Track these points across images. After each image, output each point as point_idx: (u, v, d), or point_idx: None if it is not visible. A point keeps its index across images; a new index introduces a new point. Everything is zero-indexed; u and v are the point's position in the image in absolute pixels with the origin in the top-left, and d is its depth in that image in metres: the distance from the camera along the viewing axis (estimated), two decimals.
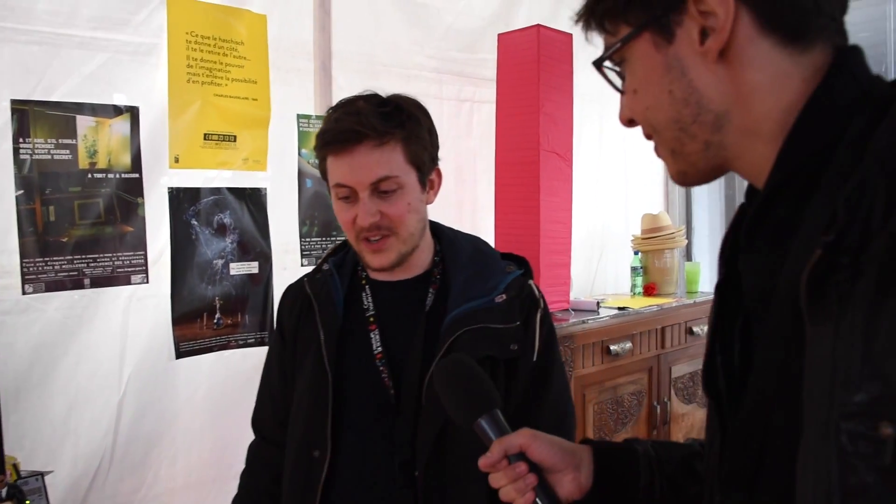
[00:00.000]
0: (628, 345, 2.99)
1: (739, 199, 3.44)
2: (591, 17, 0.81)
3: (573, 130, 3.03)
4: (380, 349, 1.42)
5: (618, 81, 0.83)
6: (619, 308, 3.11)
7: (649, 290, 3.55)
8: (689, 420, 3.41)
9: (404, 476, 1.36)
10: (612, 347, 2.92)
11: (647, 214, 3.69)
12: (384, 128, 1.34)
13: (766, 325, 0.73)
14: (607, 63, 0.82)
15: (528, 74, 2.89)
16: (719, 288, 0.85)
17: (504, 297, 1.42)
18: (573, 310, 3.08)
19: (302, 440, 1.42)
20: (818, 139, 0.69)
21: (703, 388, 0.86)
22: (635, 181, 4.05)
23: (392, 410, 1.39)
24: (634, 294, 3.56)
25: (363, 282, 1.50)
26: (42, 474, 1.74)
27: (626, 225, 3.94)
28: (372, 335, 1.44)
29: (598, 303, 3.11)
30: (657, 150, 0.82)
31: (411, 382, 1.38)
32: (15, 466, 1.76)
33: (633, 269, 3.59)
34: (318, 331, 1.44)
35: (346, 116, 1.36)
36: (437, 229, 1.54)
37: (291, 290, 1.59)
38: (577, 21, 0.84)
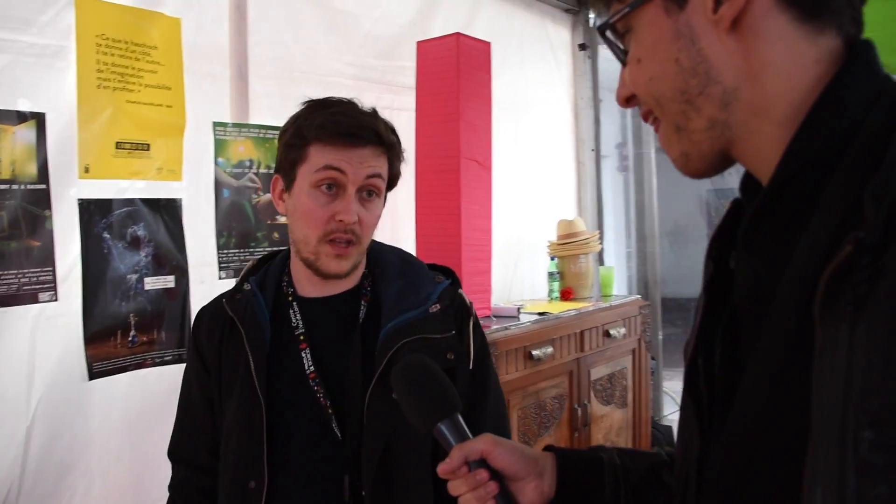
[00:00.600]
0: (549, 349, 3.03)
1: (649, 204, 3.52)
2: None
3: (491, 138, 3.05)
4: (312, 368, 1.37)
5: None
6: (540, 313, 3.15)
7: (566, 295, 3.61)
8: (608, 421, 3.48)
9: (352, 498, 1.32)
10: (533, 353, 2.95)
11: (562, 220, 3.75)
12: (388, 136, 1.38)
13: (762, 326, 0.70)
14: (609, 34, 0.78)
15: (449, 82, 2.88)
16: (708, 287, 0.83)
17: (438, 306, 1.40)
18: (494, 316, 3.09)
19: (235, 471, 1.35)
20: (835, 130, 0.67)
21: (684, 390, 0.85)
22: (549, 187, 4.12)
23: (331, 431, 1.35)
24: (552, 299, 3.61)
25: (290, 298, 1.44)
26: None
27: (541, 231, 4.00)
28: (303, 354, 1.38)
29: (518, 309, 3.14)
30: (660, 133, 0.79)
31: (351, 400, 1.34)
32: None
33: (550, 274, 3.64)
34: (245, 354, 1.37)
35: (361, 115, 1.37)
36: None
37: (208, 312, 1.50)
38: None
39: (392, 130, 1.41)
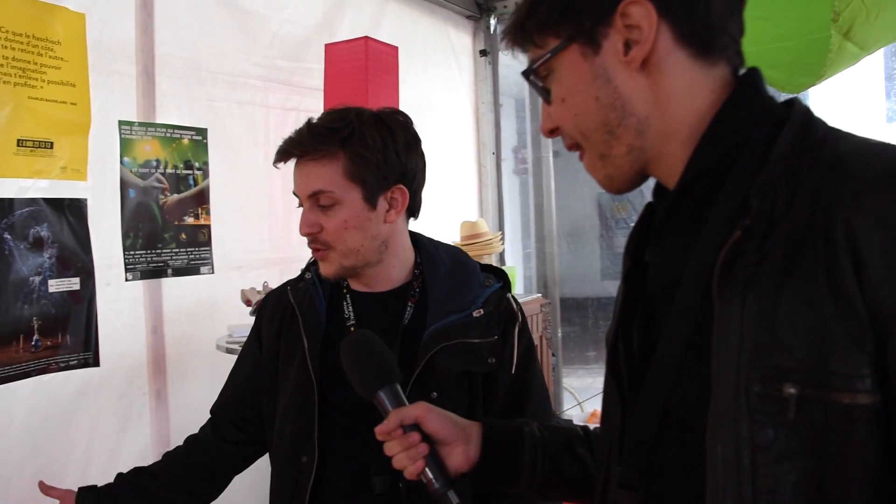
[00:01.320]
0: None
1: (548, 205, 3.67)
2: (520, 32, 0.86)
3: None
4: None
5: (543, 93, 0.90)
6: None
7: None
8: None
9: (390, 479, 1.36)
10: None
11: (465, 221, 3.84)
12: (316, 144, 1.37)
13: (674, 305, 0.82)
14: (532, 77, 0.88)
15: (357, 85, 2.92)
16: (627, 279, 0.94)
17: (482, 311, 1.45)
18: None
19: (290, 446, 1.44)
20: (727, 143, 0.80)
21: (606, 372, 0.95)
22: (452, 190, 4.20)
23: (373, 418, 1.39)
24: None
25: (344, 291, 1.51)
26: None
27: (445, 232, 4.07)
28: None
29: None
30: (585, 159, 0.89)
31: None
32: None
33: None
34: (301, 339, 1.45)
35: (297, 131, 1.41)
36: (418, 241, 1.56)
37: (272, 298, 1.61)
38: (504, 37, 0.90)
39: (349, 126, 1.39)
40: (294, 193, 1.45)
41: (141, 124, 2.62)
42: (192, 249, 2.80)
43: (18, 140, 2.25)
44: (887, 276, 0.65)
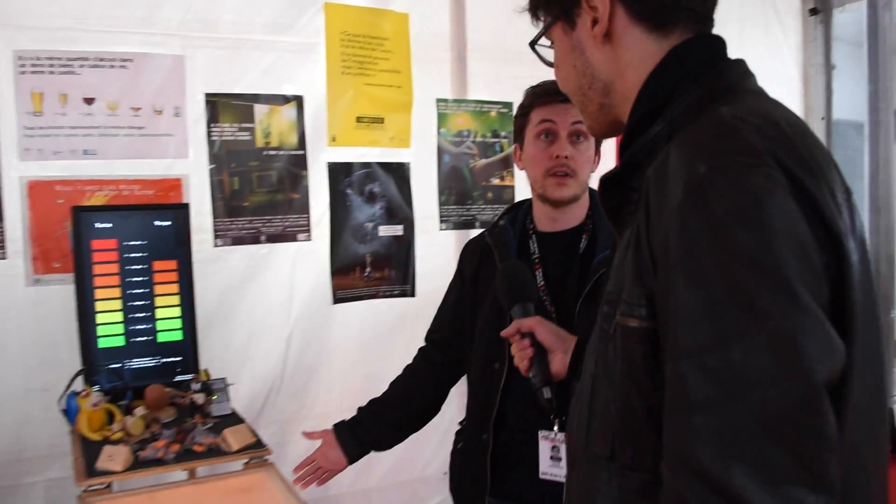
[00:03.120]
0: None
1: (884, 174, 3.36)
2: (530, 9, 1.08)
3: None
4: (543, 283, 1.78)
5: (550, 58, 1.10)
6: None
7: None
8: None
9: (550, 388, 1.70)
10: None
11: None
12: None
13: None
14: (543, 42, 1.09)
15: None
16: None
17: None
18: None
19: (485, 357, 1.80)
20: (647, 105, 0.92)
21: None
22: None
23: None
24: None
25: (530, 232, 1.86)
26: (225, 379, 2.27)
27: None
28: (538, 273, 1.80)
29: None
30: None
31: (568, 308, 1.74)
32: (206, 372, 2.31)
33: None
34: (496, 272, 1.76)
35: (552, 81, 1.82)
36: (590, 191, 1.88)
37: (473, 242, 1.99)
38: (523, 10, 1.12)
39: None
40: (545, 121, 1.73)
41: (454, 101, 3.16)
42: (497, 206, 3.28)
43: (357, 117, 2.93)
44: (657, 221, 0.78)
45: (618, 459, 0.83)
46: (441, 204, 3.18)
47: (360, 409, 2.04)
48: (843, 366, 0.71)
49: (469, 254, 1.96)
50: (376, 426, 2.00)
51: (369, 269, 3.02)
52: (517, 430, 1.74)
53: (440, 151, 3.16)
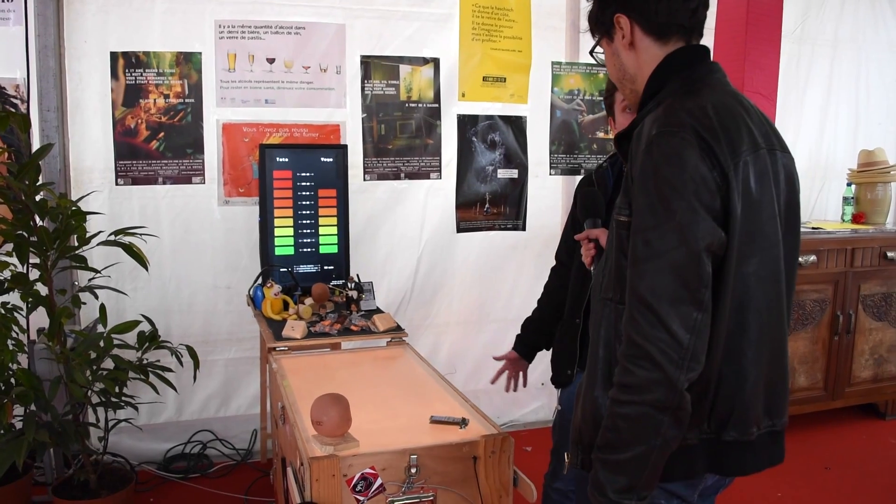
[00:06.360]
0: (812, 258, 3.55)
1: None
2: (590, 30, 1.55)
3: (779, 75, 3.57)
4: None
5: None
6: (812, 228, 3.65)
7: (857, 219, 3.96)
8: (878, 336, 3.82)
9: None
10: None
11: (863, 150, 4.03)
12: None
13: None
14: (598, 50, 1.56)
15: (738, 28, 3.49)
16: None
17: None
18: None
19: (580, 259, 2.11)
20: (650, 91, 1.35)
21: None
22: (865, 120, 4.39)
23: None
24: (844, 221, 4.00)
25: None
26: (371, 282, 2.90)
27: (853, 160, 4.30)
28: None
29: None
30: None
31: None
32: (357, 276, 2.95)
33: (845, 198, 4.01)
34: None
35: None
36: None
37: (585, 177, 2.30)
38: (585, 31, 1.61)
39: None
40: (626, 104, 2.13)
41: (567, 63, 3.64)
42: (601, 155, 3.77)
43: (483, 77, 3.47)
44: (634, 160, 1.24)
45: (614, 299, 1.34)
46: (552, 153, 3.70)
47: (522, 326, 2.48)
48: (725, 246, 1.19)
49: (582, 185, 2.39)
50: (535, 335, 2.46)
51: (488, 205, 3.59)
52: None
53: (553, 107, 3.66)
